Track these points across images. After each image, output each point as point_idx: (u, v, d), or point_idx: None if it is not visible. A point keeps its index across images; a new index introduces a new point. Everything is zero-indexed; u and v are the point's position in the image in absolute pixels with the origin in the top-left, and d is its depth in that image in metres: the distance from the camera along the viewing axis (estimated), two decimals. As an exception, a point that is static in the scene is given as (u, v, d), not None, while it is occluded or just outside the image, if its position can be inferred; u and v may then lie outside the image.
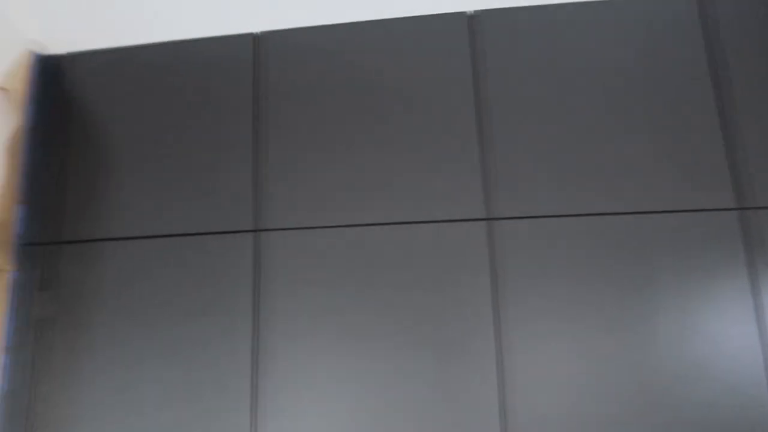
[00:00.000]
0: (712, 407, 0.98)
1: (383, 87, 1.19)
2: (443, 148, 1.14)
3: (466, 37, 1.19)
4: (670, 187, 1.08)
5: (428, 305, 1.07)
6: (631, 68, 1.14)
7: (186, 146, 1.22)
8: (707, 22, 1.14)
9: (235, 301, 1.13)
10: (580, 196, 1.09)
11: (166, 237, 1.19)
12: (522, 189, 1.11)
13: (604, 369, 1.02)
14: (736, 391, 0.98)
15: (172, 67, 1.26)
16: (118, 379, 1.14)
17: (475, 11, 1.20)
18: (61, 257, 1.21)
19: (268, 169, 1.18)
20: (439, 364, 1.05)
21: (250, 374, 1.09)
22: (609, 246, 1.07)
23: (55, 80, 1.29)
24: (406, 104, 1.17)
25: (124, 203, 1.21)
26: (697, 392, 0.99)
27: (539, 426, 1.01)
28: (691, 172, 1.08)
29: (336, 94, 1.20)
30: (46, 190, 1.24)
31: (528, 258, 1.08)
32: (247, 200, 1.17)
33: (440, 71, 1.18)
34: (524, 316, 1.05)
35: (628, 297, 1.04)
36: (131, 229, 1.20)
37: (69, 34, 1.27)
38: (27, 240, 1.21)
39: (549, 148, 1.12)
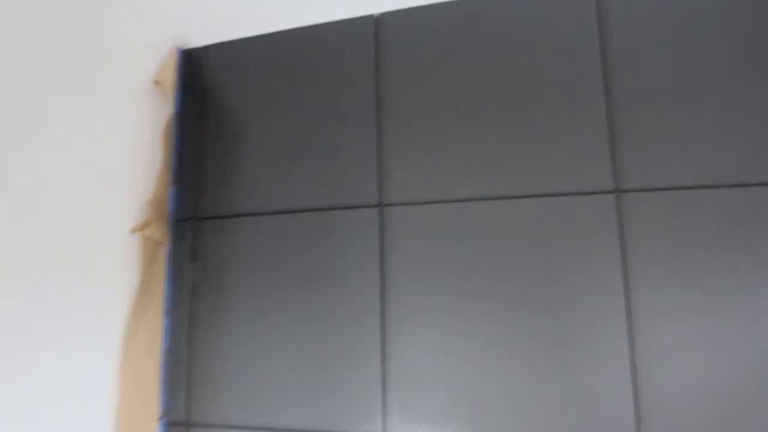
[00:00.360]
0: None
1: (503, 60, 1.18)
2: (569, 119, 1.12)
3: (593, 2, 1.14)
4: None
5: (554, 282, 1.08)
6: (782, 24, 1.04)
7: (313, 127, 1.30)
8: None
9: (362, 273, 1.20)
10: (714, 165, 1.03)
11: (295, 212, 1.29)
12: (652, 159, 1.06)
13: (743, 353, 0.97)
14: None
15: (297, 52, 1.34)
16: (256, 340, 1.26)
17: (601, -25, 1.15)
18: (204, 231, 1.35)
19: (391, 145, 1.23)
20: (567, 343, 1.05)
21: (379, 346, 1.16)
22: (747, 219, 1.01)
23: (194, 71, 1.41)
24: (528, 75, 1.16)
25: (258, 181, 1.32)
26: None
27: (674, 411, 0.99)
28: None
29: (455, 70, 1.21)
30: (191, 171, 1.38)
31: (659, 232, 1.04)
32: (372, 176, 1.23)
33: (564, 39, 1.15)
34: (656, 293, 1.02)
35: (774, 272, 0.98)
36: (264, 205, 1.31)
37: (204, 27, 1.39)
38: (177, 216, 1.36)
39: (680, 115, 1.06)
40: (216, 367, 1.29)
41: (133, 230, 1.22)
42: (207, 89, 1.40)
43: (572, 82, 1.13)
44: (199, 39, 1.41)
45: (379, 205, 1.22)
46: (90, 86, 1.17)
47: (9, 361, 0.97)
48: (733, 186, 1.02)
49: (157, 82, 1.32)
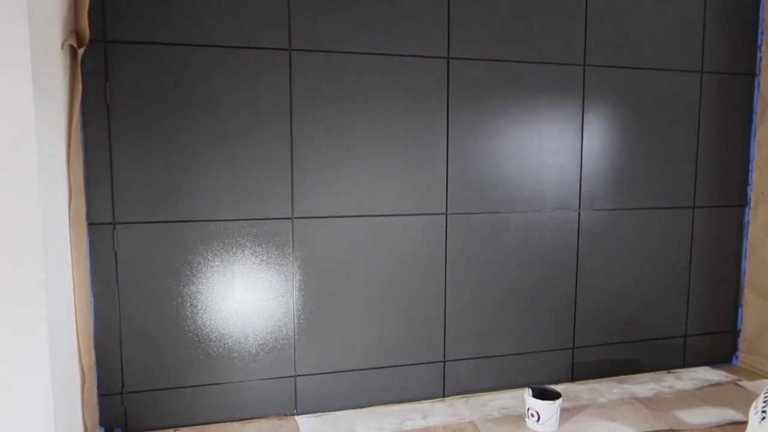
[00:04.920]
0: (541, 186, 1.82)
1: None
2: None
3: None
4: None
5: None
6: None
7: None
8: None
9: (273, 103, 1.59)
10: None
11: (210, 47, 1.55)
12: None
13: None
14: (559, 177, 1.83)
15: None
16: (177, 153, 1.54)
17: None
18: (116, 54, 1.49)
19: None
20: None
21: (289, 159, 1.60)
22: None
23: None
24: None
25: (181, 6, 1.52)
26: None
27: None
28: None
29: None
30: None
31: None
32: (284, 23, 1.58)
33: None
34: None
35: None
36: (180, 36, 1.53)
37: None
38: (91, 37, 1.45)
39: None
40: (138, 174, 1.52)
41: (63, 43, 1.32)
42: None
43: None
44: None
45: (288, 49, 1.59)
46: None
47: None
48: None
49: None
